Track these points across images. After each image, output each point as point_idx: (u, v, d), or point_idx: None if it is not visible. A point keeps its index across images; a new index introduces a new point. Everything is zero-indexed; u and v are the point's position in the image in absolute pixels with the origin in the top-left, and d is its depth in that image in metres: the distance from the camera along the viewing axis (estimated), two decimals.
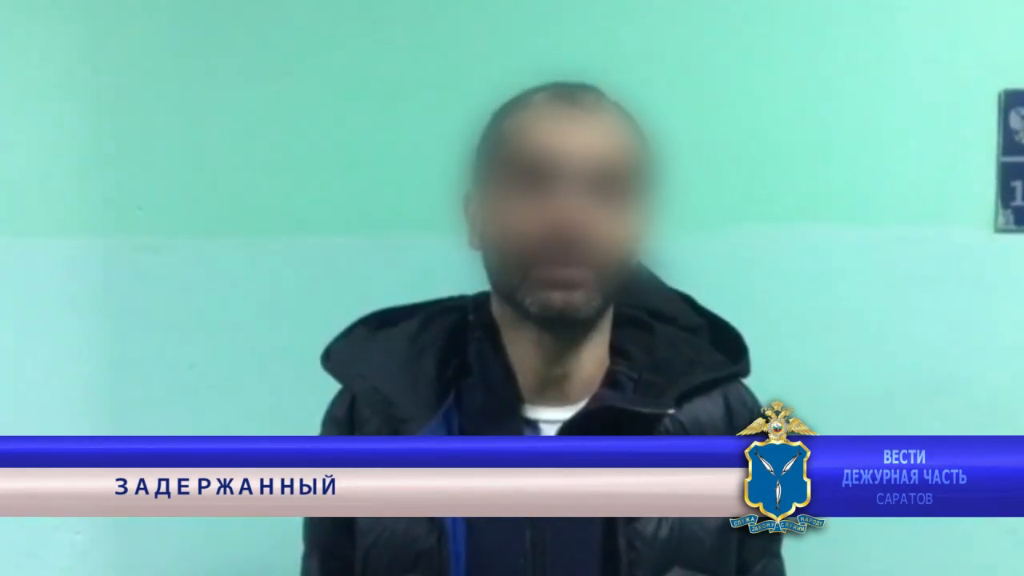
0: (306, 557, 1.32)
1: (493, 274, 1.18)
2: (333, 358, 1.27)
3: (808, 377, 1.75)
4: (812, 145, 1.81)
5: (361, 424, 1.23)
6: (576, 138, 1.12)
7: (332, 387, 1.78)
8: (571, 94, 1.16)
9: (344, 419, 1.26)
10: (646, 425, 1.16)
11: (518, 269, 1.13)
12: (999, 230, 1.81)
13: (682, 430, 1.19)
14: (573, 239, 1.10)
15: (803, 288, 1.81)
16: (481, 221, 1.18)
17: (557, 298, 1.11)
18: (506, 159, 1.15)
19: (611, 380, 1.21)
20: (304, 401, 1.80)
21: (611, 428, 1.15)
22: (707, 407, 1.21)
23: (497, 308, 1.22)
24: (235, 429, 1.81)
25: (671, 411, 1.17)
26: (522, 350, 1.19)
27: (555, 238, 1.10)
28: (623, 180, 1.14)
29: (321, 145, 1.84)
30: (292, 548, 1.33)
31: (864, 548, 1.80)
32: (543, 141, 1.12)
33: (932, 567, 1.82)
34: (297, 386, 1.80)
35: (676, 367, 1.21)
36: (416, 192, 1.82)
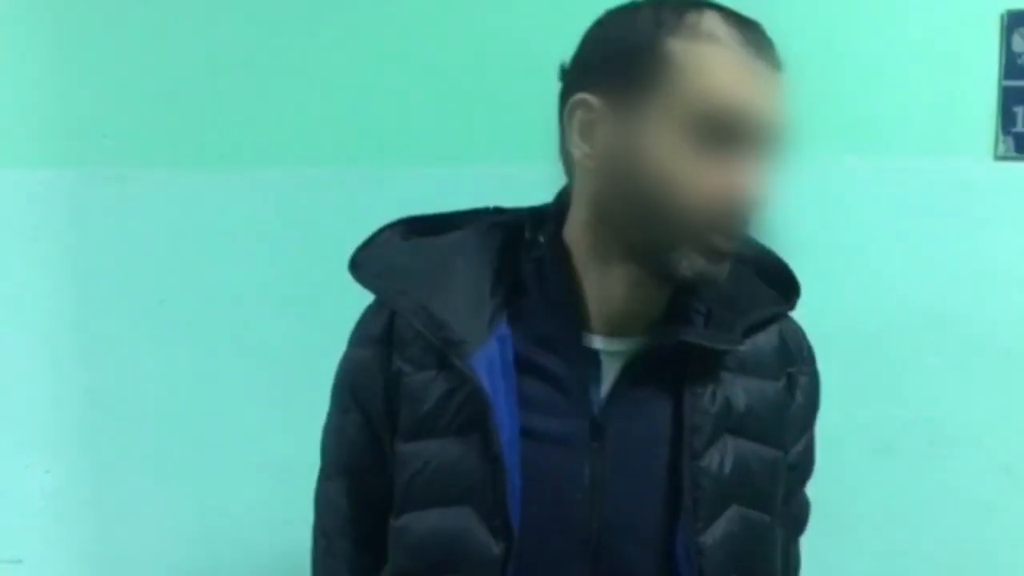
0: (325, 481, 1.23)
1: (625, 218, 1.05)
2: (364, 268, 1.14)
3: (805, 308, 1.71)
4: (809, 74, 1.73)
5: (403, 345, 1.12)
6: (774, 103, 1.03)
7: (306, 321, 1.74)
8: (759, 43, 1.04)
9: (382, 338, 1.14)
10: (712, 358, 1.11)
11: (681, 230, 1.02)
12: (999, 157, 1.74)
13: (739, 363, 1.14)
14: (757, 212, 1.03)
15: (800, 219, 1.73)
16: (623, 150, 1.03)
17: (714, 268, 1.04)
18: (683, 97, 1.00)
19: (680, 313, 1.13)
20: (276, 337, 1.77)
21: (677, 361, 1.10)
22: (763, 340, 1.17)
23: (580, 234, 1.10)
24: (205, 366, 1.78)
25: (742, 348, 1.12)
26: (602, 282, 1.10)
27: (743, 211, 1.02)
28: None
29: (294, 74, 1.76)
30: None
31: (859, 487, 1.77)
32: (744, 99, 1.01)
33: (928, 506, 1.78)
34: (270, 321, 1.77)
35: (741, 302, 1.15)
36: (392, 122, 1.75)
